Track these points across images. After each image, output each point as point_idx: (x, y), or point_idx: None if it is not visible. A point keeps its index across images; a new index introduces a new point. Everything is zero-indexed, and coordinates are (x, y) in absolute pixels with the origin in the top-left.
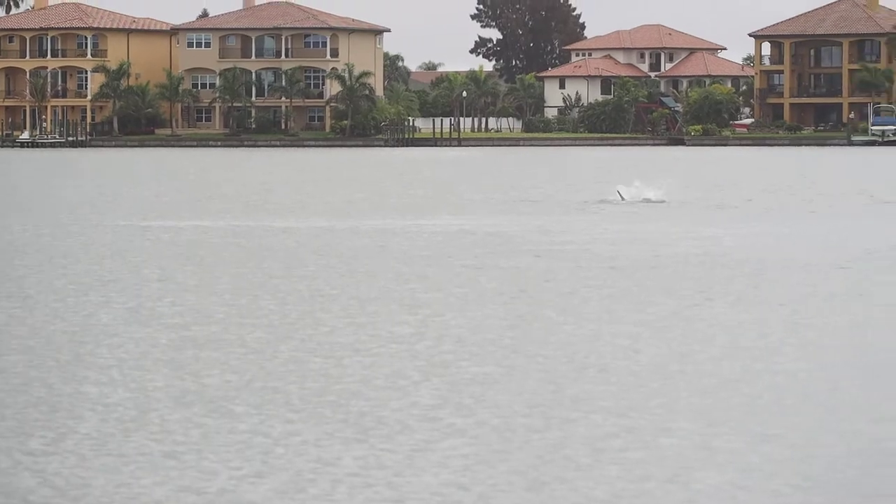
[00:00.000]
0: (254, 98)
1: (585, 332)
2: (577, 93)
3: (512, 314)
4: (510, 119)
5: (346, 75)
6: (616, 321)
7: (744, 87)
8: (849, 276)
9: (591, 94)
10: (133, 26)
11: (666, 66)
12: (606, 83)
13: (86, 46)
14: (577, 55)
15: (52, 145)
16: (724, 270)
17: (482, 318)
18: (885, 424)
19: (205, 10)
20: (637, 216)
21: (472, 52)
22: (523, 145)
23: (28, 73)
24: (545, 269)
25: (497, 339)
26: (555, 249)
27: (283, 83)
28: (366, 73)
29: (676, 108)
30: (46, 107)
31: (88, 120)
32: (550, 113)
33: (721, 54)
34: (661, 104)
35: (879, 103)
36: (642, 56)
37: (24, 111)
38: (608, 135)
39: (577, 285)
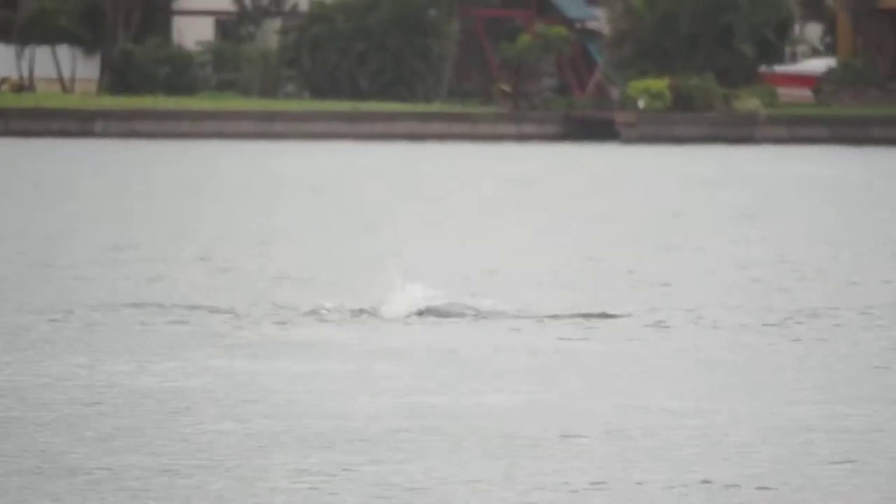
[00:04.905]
0: None
1: None
2: None
3: None
4: (68, 51)
5: None
6: None
7: None
8: None
9: None
10: None
11: None
12: None
13: None
14: None
15: None
16: None
17: None
18: None
19: None
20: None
21: None
22: (101, 135)
23: None
24: None
25: None
26: None
27: None
28: None
29: (591, 24)
30: None
31: None
32: (192, 35)
33: None
34: (552, 10)
35: None
36: None
37: None
38: (380, 106)
39: None
